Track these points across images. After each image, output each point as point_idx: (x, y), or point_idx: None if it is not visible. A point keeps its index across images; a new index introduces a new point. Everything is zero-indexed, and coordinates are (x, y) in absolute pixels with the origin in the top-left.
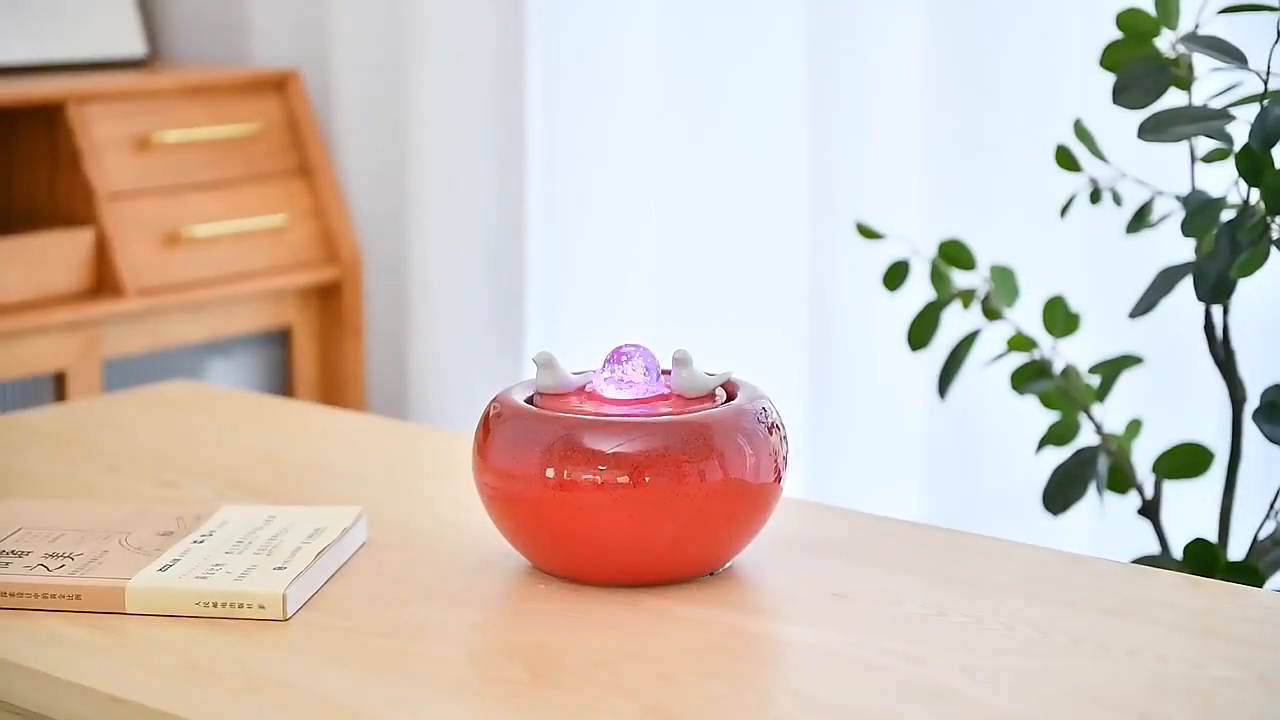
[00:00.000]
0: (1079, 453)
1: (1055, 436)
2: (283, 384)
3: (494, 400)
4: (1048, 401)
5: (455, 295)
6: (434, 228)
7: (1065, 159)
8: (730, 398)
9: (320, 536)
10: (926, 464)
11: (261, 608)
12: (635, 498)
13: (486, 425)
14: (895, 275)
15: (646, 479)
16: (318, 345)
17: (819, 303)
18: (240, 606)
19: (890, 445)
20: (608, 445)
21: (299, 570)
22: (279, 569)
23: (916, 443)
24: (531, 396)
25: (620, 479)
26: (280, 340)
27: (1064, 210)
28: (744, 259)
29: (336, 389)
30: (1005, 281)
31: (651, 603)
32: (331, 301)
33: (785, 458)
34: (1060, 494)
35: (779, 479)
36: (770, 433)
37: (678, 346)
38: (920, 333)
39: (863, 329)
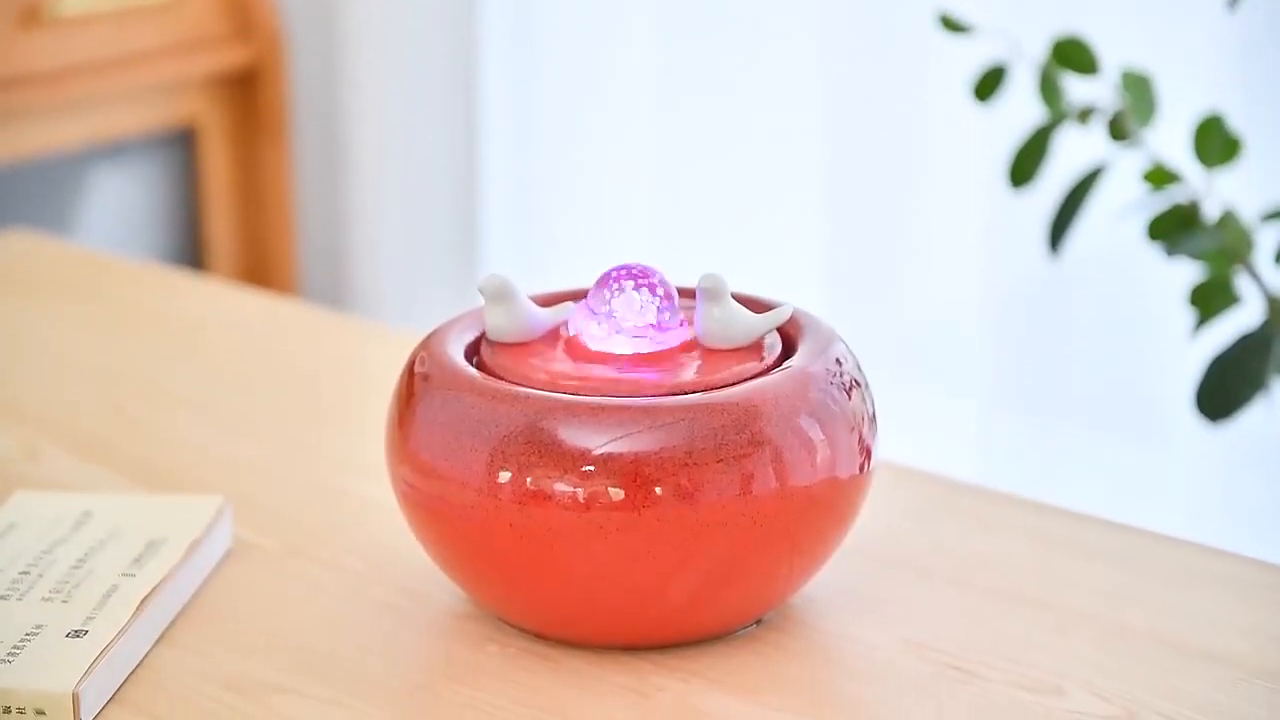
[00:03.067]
0: (1246, 337)
1: (1206, 306)
2: (189, 197)
3: (422, 345)
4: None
5: (402, 75)
6: None
7: None
8: (788, 348)
9: (153, 558)
10: (983, 385)
11: (40, 714)
12: (640, 523)
13: (409, 388)
14: (989, 83)
15: (658, 491)
16: (231, 148)
17: (843, 215)
18: (7, 711)
19: (941, 373)
20: (596, 439)
21: (104, 643)
22: (74, 635)
23: (971, 369)
24: (479, 343)
25: (615, 493)
26: (182, 143)
27: None
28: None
29: (256, 201)
30: (1141, 93)
31: (664, 677)
32: (246, 92)
33: (872, 424)
34: (1220, 393)
35: (865, 465)
36: (849, 395)
37: (706, 271)
38: (1026, 163)
39: (896, 246)
